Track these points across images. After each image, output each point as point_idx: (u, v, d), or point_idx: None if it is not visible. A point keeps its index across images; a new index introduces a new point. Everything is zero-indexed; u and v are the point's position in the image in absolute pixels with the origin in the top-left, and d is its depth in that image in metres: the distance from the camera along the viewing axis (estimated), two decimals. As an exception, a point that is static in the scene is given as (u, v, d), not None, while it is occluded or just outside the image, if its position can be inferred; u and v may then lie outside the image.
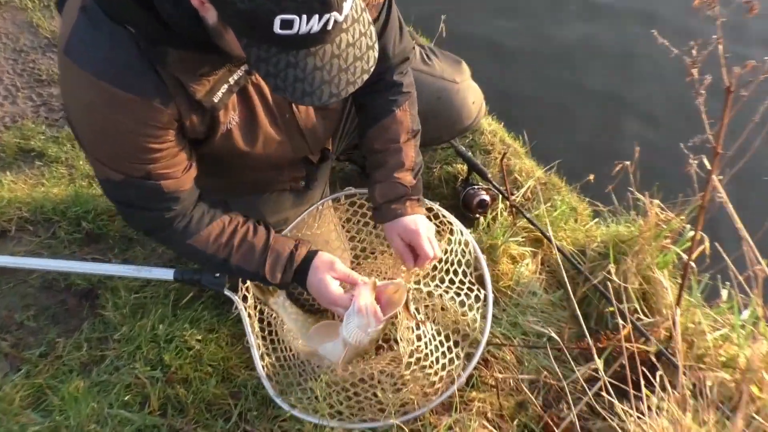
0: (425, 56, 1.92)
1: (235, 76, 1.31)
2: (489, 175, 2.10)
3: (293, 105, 1.50)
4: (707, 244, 1.62)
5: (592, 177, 1.93)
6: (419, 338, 1.54)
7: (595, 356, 1.38)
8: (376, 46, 1.14)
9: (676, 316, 1.36)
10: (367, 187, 1.71)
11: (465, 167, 2.20)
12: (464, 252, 1.67)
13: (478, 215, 2.10)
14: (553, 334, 1.60)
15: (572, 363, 1.56)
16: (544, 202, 2.06)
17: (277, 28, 0.98)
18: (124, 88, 1.20)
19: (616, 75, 3.42)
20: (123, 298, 1.80)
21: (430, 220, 1.67)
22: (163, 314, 1.77)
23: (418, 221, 1.59)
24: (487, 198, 2.07)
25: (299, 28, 0.98)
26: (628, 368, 1.39)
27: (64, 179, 2.18)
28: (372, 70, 1.15)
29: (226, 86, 1.30)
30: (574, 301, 1.60)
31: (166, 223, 1.46)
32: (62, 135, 2.35)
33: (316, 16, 0.98)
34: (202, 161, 1.55)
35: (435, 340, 1.57)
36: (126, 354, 1.70)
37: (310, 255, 1.56)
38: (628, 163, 1.64)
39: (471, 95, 1.92)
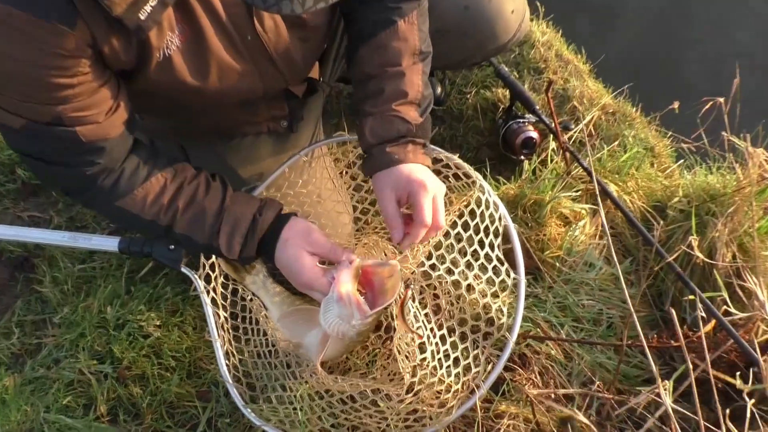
0: None
1: None
2: (538, 106, 1.69)
3: (256, 22, 1.22)
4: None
5: (676, 105, 1.50)
6: (422, 349, 1.23)
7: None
8: None
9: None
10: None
11: (507, 93, 1.81)
12: (492, 218, 1.28)
13: (522, 157, 1.73)
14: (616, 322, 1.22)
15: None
16: (610, 141, 1.66)
17: None
18: (17, 6, 1.00)
19: None
20: (65, 269, 1.55)
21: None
22: (114, 291, 1.51)
23: (421, 172, 1.25)
24: (534, 135, 1.71)
25: None
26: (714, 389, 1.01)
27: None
28: None
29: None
30: (644, 281, 1.20)
31: (88, 182, 1.21)
32: None
33: None
34: (143, 99, 1.26)
35: (446, 342, 1.27)
36: (67, 343, 1.46)
37: (280, 222, 1.28)
38: (721, 100, 1.28)
39: (510, 2, 1.56)
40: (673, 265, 1.42)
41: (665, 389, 1.00)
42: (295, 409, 1.28)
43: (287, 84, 1.40)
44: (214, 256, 1.37)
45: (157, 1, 1.05)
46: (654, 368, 0.99)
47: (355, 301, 1.18)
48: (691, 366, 0.96)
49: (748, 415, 0.99)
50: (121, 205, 1.24)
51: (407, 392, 1.23)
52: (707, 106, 1.35)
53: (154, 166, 1.26)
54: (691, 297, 1.37)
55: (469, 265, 1.31)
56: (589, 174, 1.56)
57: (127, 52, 1.11)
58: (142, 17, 1.05)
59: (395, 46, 1.31)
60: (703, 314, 1.19)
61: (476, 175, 1.30)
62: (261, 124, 1.49)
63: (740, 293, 1.44)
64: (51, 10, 1.02)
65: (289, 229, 1.28)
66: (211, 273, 1.34)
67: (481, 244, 1.29)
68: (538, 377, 1.37)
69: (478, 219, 1.29)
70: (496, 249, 1.29)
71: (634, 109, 1.97)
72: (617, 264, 1.22)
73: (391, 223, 1.27)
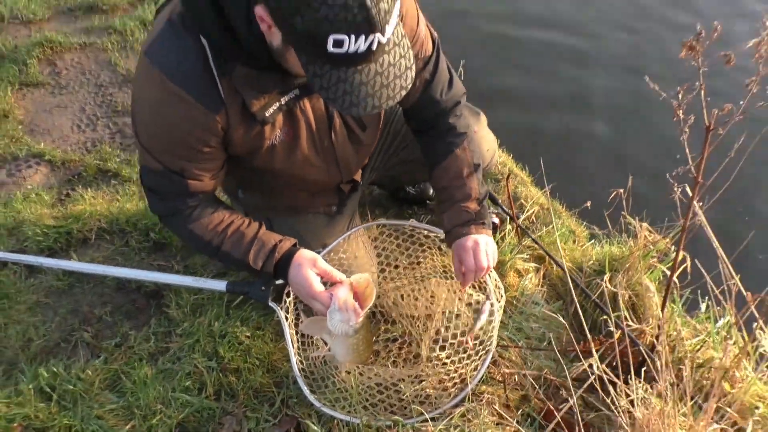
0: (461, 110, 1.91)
1: (286, 98, 1.36)
2: (499, 201, 2.17)
3: (332, 134, 1.53)
4: (689, 262, 1.67)
5: (588, 204, 1.95)
6: (436, 343, 1.62)
7: (594, 353, 1.42)
8: (413, 66, 1.19)
9: (662, 324, 1.42)
10: (407, 204, 1.89)
11: None
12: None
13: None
14: (553, 339, 1.66)
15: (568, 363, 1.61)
16: (546, 225, 2.13)
17: (330, 47, 1.06)
18: (186, 90, 1.26)
19: (614, 118, 3.52)
20: (184, 299, 1.87)
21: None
22: (218, 313, 1.83)
23: (478, 239, 1.57)
24: (496, 220, 2.11)
25: (348, 47, 1.06)
26: (620, 366, 1.45)
27: (135, 196, 2.28)
28: (409, 87, 1.20)
29: (277, 105, 1.35)
30: (578, 307, 1.64)
31: (177, 212, 1.50)
32: (133, 158, 2.47)
33: (363, 36, 1.05)
34: (250, 178, 1.60)
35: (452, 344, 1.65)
36: (186, 346, 1.76)
37: (293, 249, 1.52)
38: (621, 190, 1.68)
39: (486, 143, 1.90)
40: (591, 296, 1.87)
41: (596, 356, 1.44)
42: (339, 390, 1.58)
43: (341, 181, 1.72)
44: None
45: (277, 107, 1.35)
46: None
47: (352, 306, 1.41)
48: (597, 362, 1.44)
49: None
50: (191, 228, 1.50)
51: (420, 381, 1.56)
52: (610, 198, 1.69)
53: (217, 209, 1.53)
54: (604, 317, 1.80)
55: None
56: (536, 242, 2.03)
57: (247, 138, 1.39)
58: (267, 114, 1.34)
59: (457, 166, 1.62)
60: (612, 328, 1.62)
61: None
62: (319, 207, 1.79)
63: (633, 318, 1.85)
64: (207, 98, 1.27)
65: (300, 256, 1.49)
66: (288, 307, 1.67)
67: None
68: (506, 370, 1.81)
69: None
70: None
71: (561, 205, 2.42)
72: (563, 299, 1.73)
73: (456, 274, 1.63)
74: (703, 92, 1.22)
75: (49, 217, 2.13)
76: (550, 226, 2.18)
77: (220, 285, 1.78)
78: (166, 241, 2.10)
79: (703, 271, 1.52)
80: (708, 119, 1.23)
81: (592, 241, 2.20)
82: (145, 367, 1.69)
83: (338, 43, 1.05)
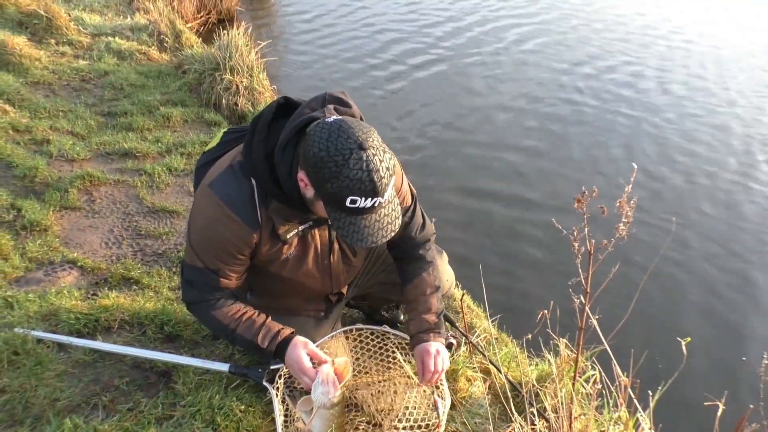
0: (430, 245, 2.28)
1: (303, 227, 1.84)
2: (456, 324, 2.67)
3: (332, 256, 1.99)
4: (597, 373, 2.19)
5: (529, 336, 2.42)
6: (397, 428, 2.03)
7: None
8: (400, 216, 1.67)
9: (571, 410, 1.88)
10: (371, 324, 2.30)
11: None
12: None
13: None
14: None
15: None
16: (492, 349, 2.63)
17: (347, 203, 1.53)
18: (236, 213, 1.72)
19: (544, 250, 4.46)
20: (190, 377, 2.24)
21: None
22: (218, 390, 2.18)
23: (436, 347, 2.01)
24: (453, 341, 2.51)
25: (359, 204, 1.53)
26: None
27: (153, 298, 2.73)
28: (398, 229, 1.64)
29: (296, 231, 1.83)
30: (511, 405, 2.06)
31: (205, 302, 1.91)
32: (153, 271, 2.97)
33: (370, 199, 1.53)
34: (258, 283, 2.05)
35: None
36: (188, 414, 2.07)
37: (292, 336, 1.92)
38: (546, 311, 2.23)
39: (445, 275, 2.37)
40: (525, 396, 2.36)
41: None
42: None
43: (331, 292, 2.13)
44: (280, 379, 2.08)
45: (296, 231, 1.81)
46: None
47: (332, 379, 1.78)
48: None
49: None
50: (214, 314, 1.89)
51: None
52: (536, 329, 2.21)
53: (235, 301, 1.94)
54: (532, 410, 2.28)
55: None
56: (484, 355, 2.53)
57: (270, 252, 1.82)
58: (288, 236, 1.81)
59: (423, 286, 2.07)
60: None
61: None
62: (310, 312, 2.18)
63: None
64: (247, 218, 1.71)
65: (296, 340, 1.90)
66: (278, 387, 2.08)
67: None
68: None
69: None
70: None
71: (505, 334, 2.93)
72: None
73: (419, 372, 2.01)
74: (586, 229, 1.84)
75: (79, 307, 2.56)
76: (495, 350, 2.67)
77: (223, 367, 2.19)
78: (179, 334, 2.52)
79: (604, 376, 2.03)
80: (590, 247, 1.84)
81: (531, 363, 2.68)
82: (152, 428, 2.01)
83: (353, 202, 1.52)
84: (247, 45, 5.25)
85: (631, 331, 2.63)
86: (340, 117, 1.62)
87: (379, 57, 7.83)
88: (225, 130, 2.09)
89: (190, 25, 7.74)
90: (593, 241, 1.82)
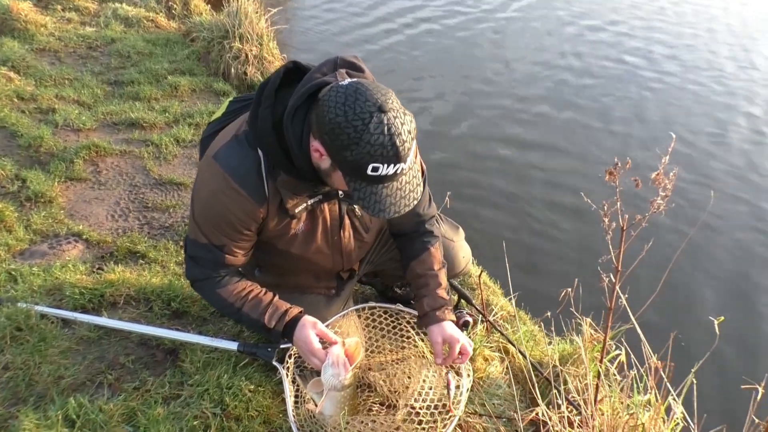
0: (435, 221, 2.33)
1: (312, 201, 1.75)
2: (473, 301, 2.57)
3: (342, 231, 1.90)
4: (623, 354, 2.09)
5: (548, 313, 2.42)
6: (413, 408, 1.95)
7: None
8: (422, 183, 1.60)
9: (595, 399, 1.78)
10: (384, 302, 2.20)
11: (456, 297, 2.63)
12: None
13: (463, 330, 2.46)
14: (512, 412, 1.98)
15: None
16: (511, 327, 2.53)
17: (369, 172, 1.44)
18: (241, 186, 1.62)
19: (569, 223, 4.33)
20: (198, 356, 2.18)
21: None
22: (227, 370, 2.09)
23: (453, 328, 1.95)
24: (470, 319, 2.45)
25: (381, 171, 1.44)
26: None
27: (160, 273, 2.67)
28: (419, 197, 1.58)
29: (304, 205, 1.74)
30: (537, 391, 1.97)
31: (210, 279, 1.84)
32: (159, 244, 2.90)
33: (393, 165, 1.44)
34: (266, 259, 1.97)
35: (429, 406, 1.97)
36: (196, 394, 2.01)
37: (300, 314, 1.86)
38: (569, 289, 2.08)
39: (462, 252, 2.29)
40: (548, 379, 2.24)
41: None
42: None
43: (342, 269, 2.05)
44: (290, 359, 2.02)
45: (304, 206, 1.72)
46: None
47: (342, 361, 1.71)
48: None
49: None
50: (219, 292, 1.82)
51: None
52: (559, 309, 2.13)
53: (241, 279, 1.88)
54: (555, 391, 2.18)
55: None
56: (502, 333, 2.44)
57: (277, 227, 1.74)
58: (296, 211, 1.72)
59: (430, 260, 1.99)
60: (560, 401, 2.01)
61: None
62: (321, 289, 2.11)
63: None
64: (256, 194, 1.62)
65: (304, 320, 1.83)
66: (288, 366, 2.00)
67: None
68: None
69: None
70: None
71: (524, 311, 2.85)
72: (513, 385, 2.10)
73: (437, 352, 1.93)
74: (618, 204, 1.72)
75: (84, 281, 2.50)
76: (514, 329, 2.57)
77: (232, 345, 2.12)
78: (186, 310, 2.45)
79: (633, 357, 1.94)
80: (622, 222, 1.72)
81: (550, 342, 2.58)
82: (159, 408, 1.95)
83: (375, 169, 1.44)
84: (256, 12, 5.10)
85: (657, 310, 2.51)
86: (355, 79, 1.51)
87: (395, 21, 7.60)
88: (231, 99, 1.98)
89: (198, -9, 7.53)
90: (626, 216, 1.71)
